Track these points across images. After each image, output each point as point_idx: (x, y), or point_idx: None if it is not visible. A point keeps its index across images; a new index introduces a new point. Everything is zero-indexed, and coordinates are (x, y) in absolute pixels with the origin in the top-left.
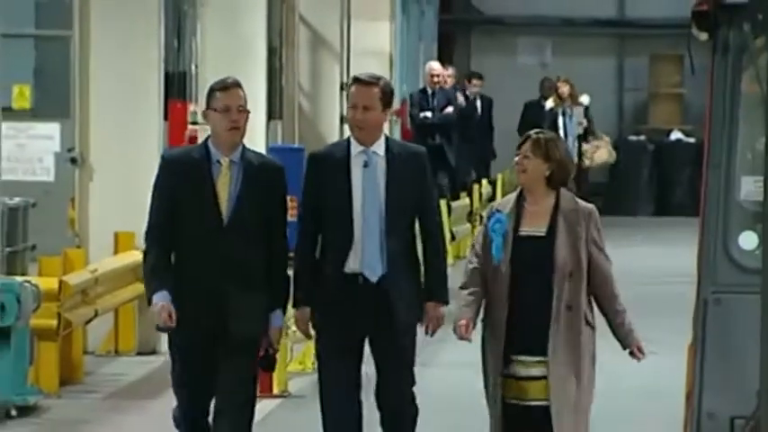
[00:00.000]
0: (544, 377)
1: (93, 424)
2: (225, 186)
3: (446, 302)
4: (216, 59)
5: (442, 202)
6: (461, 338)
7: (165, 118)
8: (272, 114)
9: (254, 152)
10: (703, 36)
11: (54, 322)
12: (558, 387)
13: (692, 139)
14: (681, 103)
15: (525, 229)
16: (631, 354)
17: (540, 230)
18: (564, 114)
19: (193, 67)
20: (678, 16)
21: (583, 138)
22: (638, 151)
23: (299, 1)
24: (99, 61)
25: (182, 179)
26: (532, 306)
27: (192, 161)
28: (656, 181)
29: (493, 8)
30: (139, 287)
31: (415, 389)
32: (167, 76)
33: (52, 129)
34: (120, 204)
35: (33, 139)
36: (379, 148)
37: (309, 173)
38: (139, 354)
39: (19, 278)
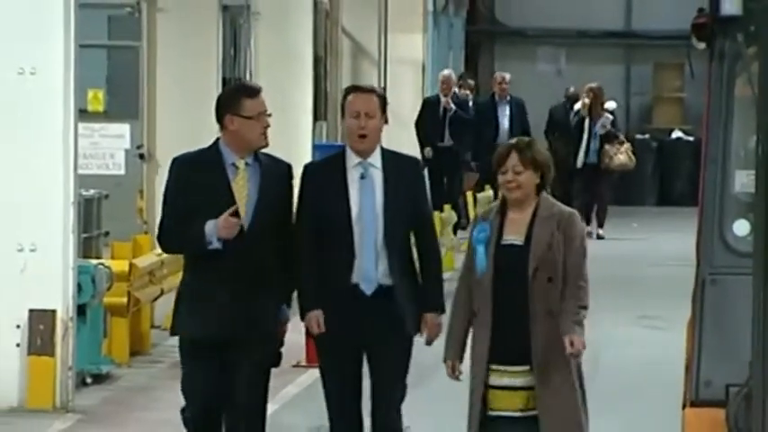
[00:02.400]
0: (529, 387)
1: (159, 390)
2: (242, 189)
3: (443, 311)
4: (267, 67)
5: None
6: (452, 377)
7: None
8: (317, 116)
9: (263, 153)
10: (702, 46)
11: (125, 300)
12: (544, 396)
13: (691, 138)
14: (681, 106)
15: (507, 238)
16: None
17: (520, 238)
18: (590, 118)
19: (248, 74)
20: (679, 28)
21: (605, 140)
22: (644, 148)
23: (342, 15)
24: (164, 68)
25: (196, 182)
26: (515, 314)
27: (206, 164)
28: (660, 175)
29: (515, 21)
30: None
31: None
32: (224, 82)
33: (123, 128)
34: None
35: (106, 137)
36: (376, 159)
37: (305, 185)
38: None
39: (94, 261)
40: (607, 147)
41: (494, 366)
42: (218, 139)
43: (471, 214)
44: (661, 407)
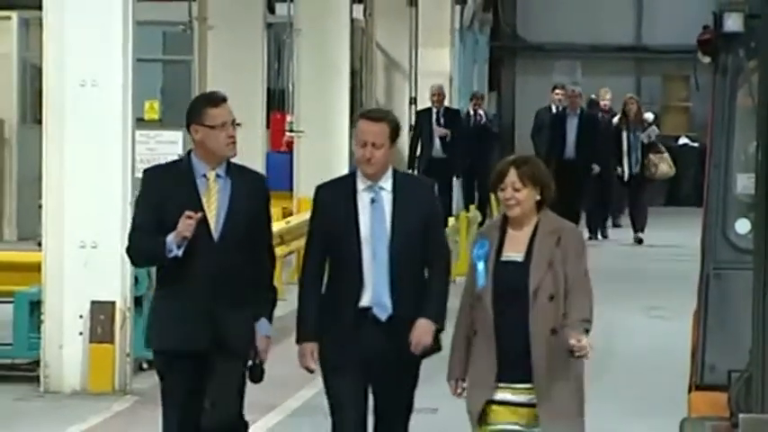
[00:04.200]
0: (531, 405)
1: None
2: (213, 201)
3: (439, 325)
4: (308, 78)
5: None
6: (456, 396)
7: (268, 126)
8: (353, 124)
9: (236, 164)
10: (706, 59)
11: None
12: (546, 416)
13: (696, 144)
14: (688, 114)
15: (506, 255)
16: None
17: (519, 255)
18: (628, 130)
19: (290, 85)
20: (686, 43)
21: (648, 149)
22: None
23: (376, 31)
24: (214, 80)
25: (166, 194)
26: (516, 333)
27: (176, 176)
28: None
29: (534, 37)
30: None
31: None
32: (269, 92)
33: (176, 135)
34: None
35: (161, 143)
36: (387, 182)
37: (316, 205)
38: None
39: None
40: (651, 156)
41: (498, 384)
42: (190, 150)
43: (495, 213)
44: (668, 391)
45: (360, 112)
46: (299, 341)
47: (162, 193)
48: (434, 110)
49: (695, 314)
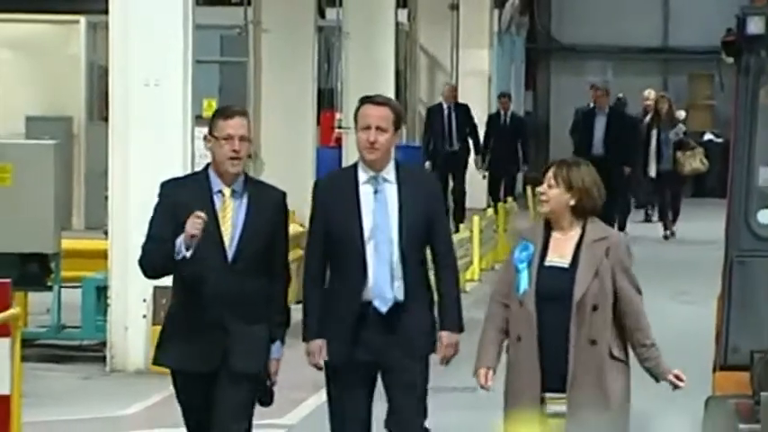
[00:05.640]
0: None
1: None
2: (228, 219)
3: (461, 329)
4: (356, 79)
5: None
6: (482, 387)
7: (318, 123)
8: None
9: (256, 180)
10: (730, 60)
11: None
12: (571, 427)
13: (720, 140)
14: (712, 112)
15: (550, 260)
16: (672, 384)
17: (564, 261)
18: (659, 128)
19: (339, 85)
20: (711, 45)
21: (678, 147)
22: None
23: (420, 34)
24: (268, 80)
25: (182, 209)
26: (557, 341)
27: (193, 191)
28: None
29: (567, 38)
30: (298, 252)
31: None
32: (319, 92)
33: None
34: (284, 188)
35: None
36: (389, 173)
37: (316, 200)
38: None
39: None
40: (679, 154)
41: (544, 395)
42: (208, 164)
43: (529, 204)
44: (694, 371)
45: (360, 98)
46: (305, 339)
47: (178, 208)
48: (445, 105)
49: (719, 299)
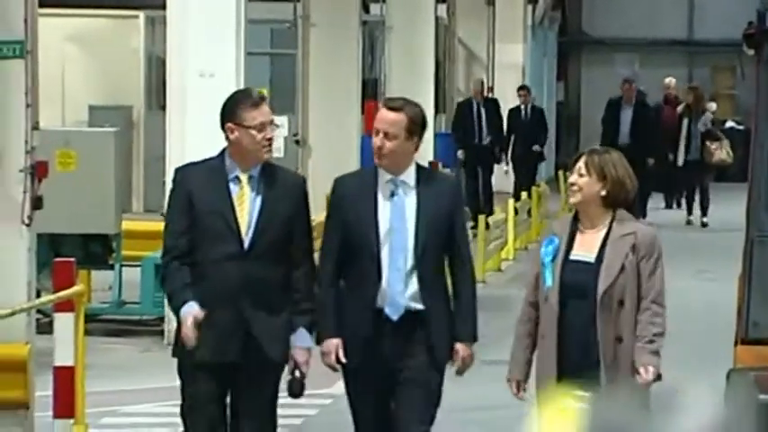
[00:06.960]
0: None
1: None
2: (244, 205)
3: (475, 340)
4: (398, 70)
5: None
6: (516, 397)
7: (362, 112)
8: (438, 110)
9: (272, 165)
10: (751, 52)
11: None
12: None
13: (742, 127)
14: (734, 101)
15: (576, 254)
16: (639, 375)
17: (590, 256)
18: (689, 118)
19: (382, 76)
20: (733, 38)
21: (706, 137)
22: None
23: (458, 28)
24: (315, 71)
25: (197, 195)
26: (581, 337)
27: (209, 176)
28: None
29: (597, 32)
30: None
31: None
32: (364, 82)
33: (282, 120)
34: (329, 173)
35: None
36: (409, 177)
37: (333, 200)
38: None
39: None
40: (707, 143)
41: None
42: (224, 149)
43: (561, 188)
44: (716, 344)
45: (385, 98)
46: (320, 340)
47: (193, 195)
48: (475, 101)
49: (740, 277)
